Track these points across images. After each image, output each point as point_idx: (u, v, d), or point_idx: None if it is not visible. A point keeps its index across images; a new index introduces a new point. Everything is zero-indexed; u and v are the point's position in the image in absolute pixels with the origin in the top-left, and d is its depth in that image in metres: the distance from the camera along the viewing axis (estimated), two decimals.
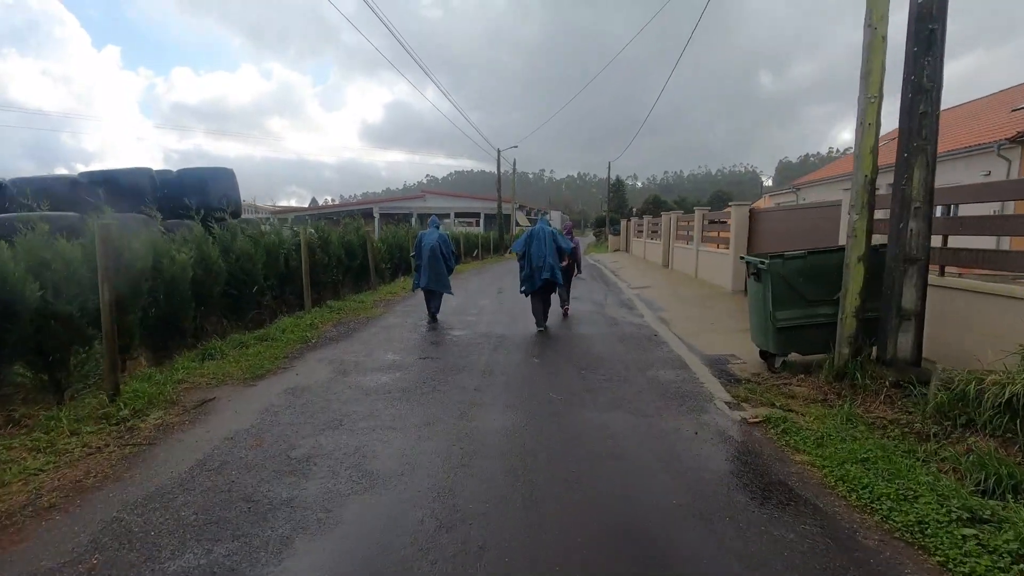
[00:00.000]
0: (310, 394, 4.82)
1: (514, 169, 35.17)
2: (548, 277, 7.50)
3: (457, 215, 61.25)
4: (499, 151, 30.22)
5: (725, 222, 12.35)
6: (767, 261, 5.17)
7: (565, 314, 9.26)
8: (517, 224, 40.59)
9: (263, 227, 10.64)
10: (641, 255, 24.42)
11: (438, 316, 8.80)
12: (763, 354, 5.86)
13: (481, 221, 46.92)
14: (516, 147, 32.78)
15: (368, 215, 60.62)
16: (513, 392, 4.89)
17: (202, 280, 7.05)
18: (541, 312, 7.82)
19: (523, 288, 7.90)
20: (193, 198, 11.62)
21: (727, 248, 12.81)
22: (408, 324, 8.31)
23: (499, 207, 31.46)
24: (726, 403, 4.60)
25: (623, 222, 32.60)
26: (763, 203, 30.77)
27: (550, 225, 8.24)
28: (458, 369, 5.64)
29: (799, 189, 25.73)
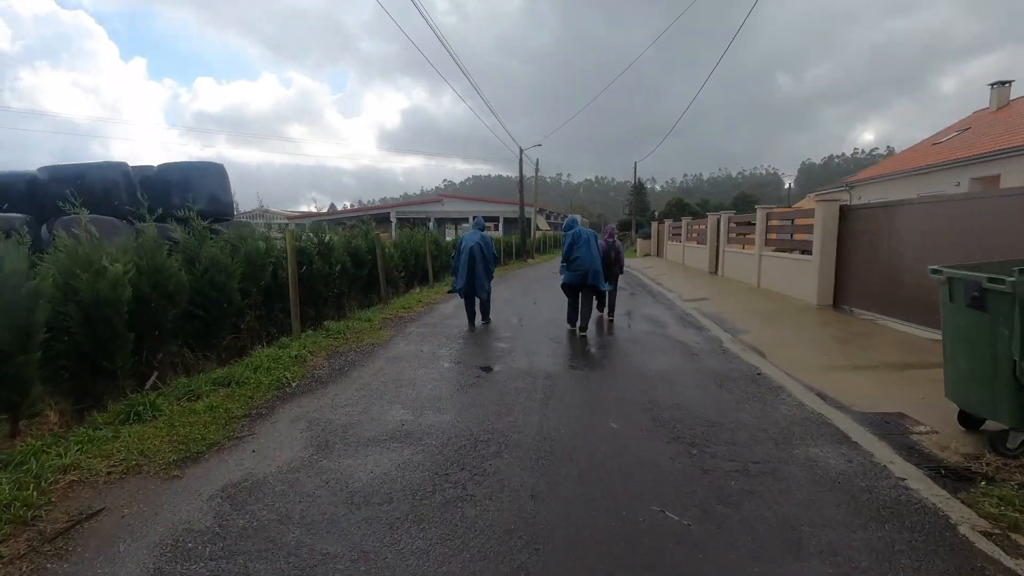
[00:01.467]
0: (260, 501, 2.92)
1: (536, 170, 33.23)
2: (592, 283, 7.36)
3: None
4: (521, 150, 28.36)
5: (808, 223, 10.25)
6: (1014, 278, 3.13)
7: (610, 324, 8.59)
8: (538, 228, 38.60)
9: (258, 231, 8.89)
10: (679, 260, 22.28)
11: (477, 325, 8.49)
12: (966, 419, 3.82)
13: (500, 225, 45.18)
14: (540, 145, 30.84)
15: (385, 219, 59.50)
16: (596, 501, 2.92)
17: (150, 299, 5.27)
18: (579, 315, 7.61)
19: (564, 283, 7.69)
20: (176, 197, 9.99)
21: (805, 254, 10.69)
22: (424, 355, 6.39)
23: (521, 209, 29.56)
24: (982, 533, 2.58)
25: (654, 224, 30.43)
26: (808, 204, 28.37)
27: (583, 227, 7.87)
28: (499, 444, 3.69)
29: (852, 187, 23.35)
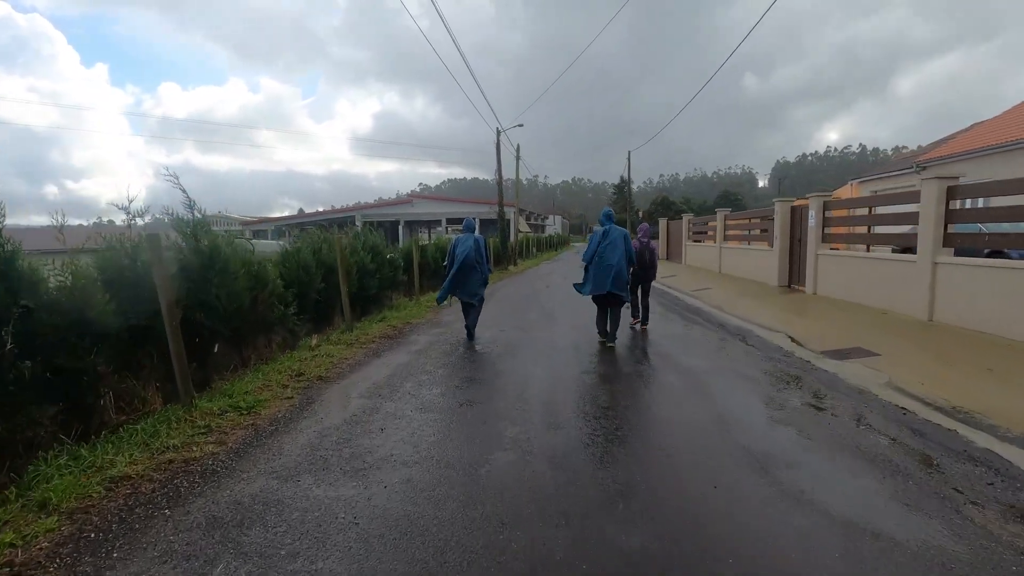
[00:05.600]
0: None
1: (517, 157, 27.39)
2: (615, 292, 6.40)
3: (449, 221, 53.70)
4: (499, 131, 22.62)
5: None
6: None
7: (644, 330, 7.57)
8: (519, 230, 32.94)
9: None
10: (711, 267, 16.76)
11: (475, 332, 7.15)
12: None
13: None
14: (521, 125, 25.10)
15: (351, 223, 52.94)
16: None
17: None
18: (607, 325, 6.68)
19: (583, 289, 6.79)
20: None
21: None
22: None
23: (500, 206, 23.77)
24: None
25: (663, 222, 24.98)
26: (849, 191, 23.35)
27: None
28: None
29: (924, 167, 18.20)
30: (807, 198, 10.56)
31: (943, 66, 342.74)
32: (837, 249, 9.90)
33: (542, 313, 9.61)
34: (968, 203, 9.36)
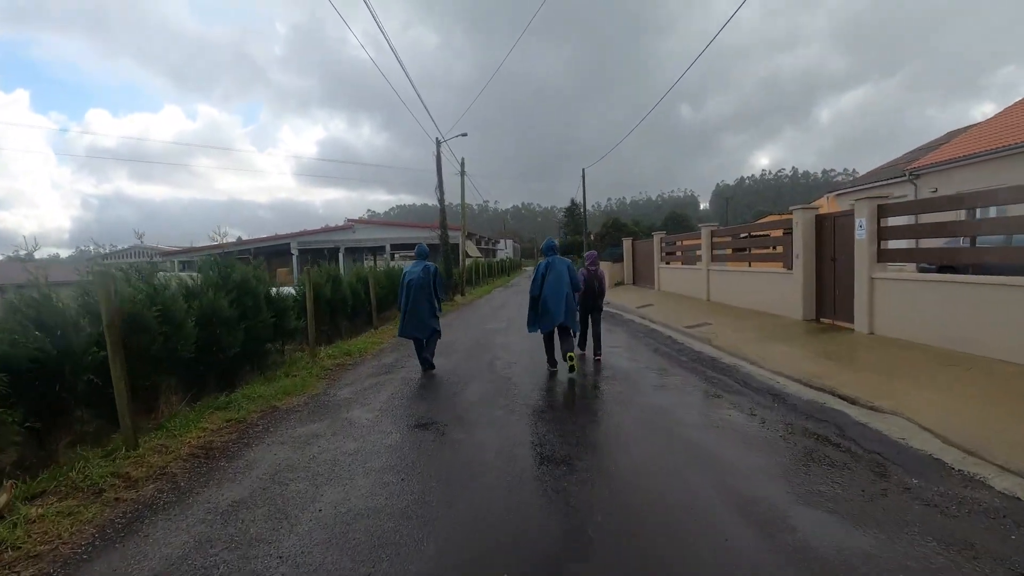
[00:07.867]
0: None
1: (462, 175, 24.18)
2: (562, 322, 6.22)
3: (393, 247, 49.62)
4: (438, 142, 19.39)
5: None
6: None
7: (597, 361, 6.96)
8: (467, 255, 29.70)
9: None
10: (697, 294, 13.92)
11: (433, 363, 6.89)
12: None
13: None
14: (465, 135, 21.98)
15: (285, 252, 47.83)
16: None
17: None
18: (555, 352, 6.46)
19: (533, 328, 6.55)
20: None
21: None
22: None
23: (443, 228, 20.41)
24: None
25: (628, 242, 22.29)
26: (826, 205, 21.53)
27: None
28: None
29: (918, 175, 16.33)
30: (851, 204, 7.87)
31: (855, 97, 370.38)
32: (893, 264, 7.15)
33: (496, 378, 6.27)
34: None
